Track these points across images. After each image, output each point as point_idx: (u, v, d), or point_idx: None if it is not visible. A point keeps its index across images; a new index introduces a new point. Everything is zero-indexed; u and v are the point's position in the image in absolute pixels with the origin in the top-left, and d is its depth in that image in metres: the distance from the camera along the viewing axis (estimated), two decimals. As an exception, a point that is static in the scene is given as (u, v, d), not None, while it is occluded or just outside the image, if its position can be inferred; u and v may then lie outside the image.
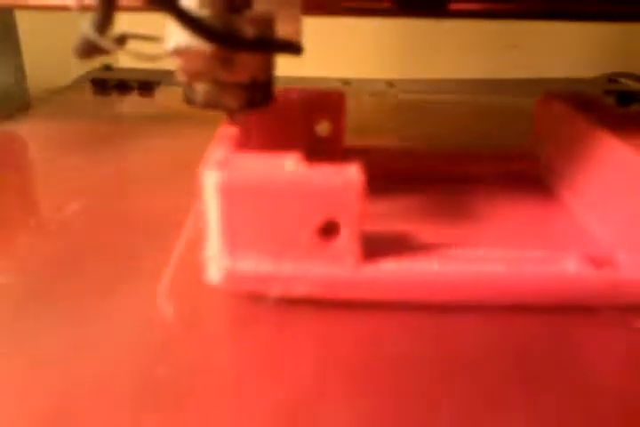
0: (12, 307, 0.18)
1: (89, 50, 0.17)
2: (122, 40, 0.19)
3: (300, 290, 0.18)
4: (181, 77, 0.20)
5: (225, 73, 0.19)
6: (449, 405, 0.15)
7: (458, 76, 0.54)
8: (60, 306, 0.18)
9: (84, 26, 0.17)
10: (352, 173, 0.17)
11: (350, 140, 0.27)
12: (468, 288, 0.19)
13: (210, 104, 0.20)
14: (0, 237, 0.23)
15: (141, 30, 0.19)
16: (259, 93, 0.20)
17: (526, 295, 0.19)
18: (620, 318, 0.18)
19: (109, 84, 0.46)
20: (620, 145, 0.20)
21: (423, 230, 0.21)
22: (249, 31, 0.18)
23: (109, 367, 0.16)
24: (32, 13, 0.43)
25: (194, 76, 0.19)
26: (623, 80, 0.53)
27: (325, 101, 0.26)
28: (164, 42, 0.19)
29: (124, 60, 0.55)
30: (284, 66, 0.22)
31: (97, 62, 0.55)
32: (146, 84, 0.45)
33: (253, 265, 0.18)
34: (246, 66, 0.19)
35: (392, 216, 0.22)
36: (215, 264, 0.18)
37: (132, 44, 0.19)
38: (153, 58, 0.19)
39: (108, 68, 0.54)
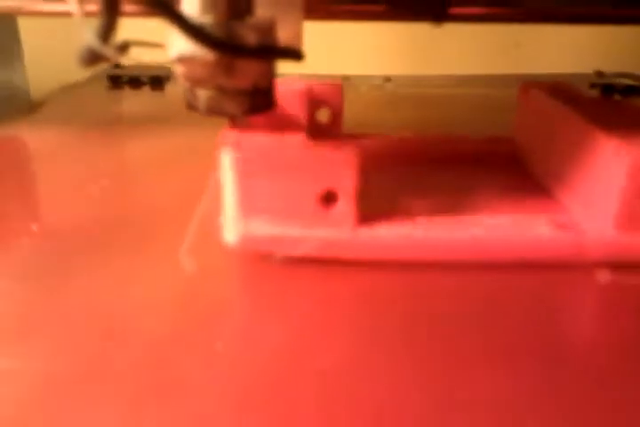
0: (58, 262, 0.21)
1: (92, 58, 0.18)
2: (124, 47, 0.19)
3: (303, 250, 0.21)
4: (183, 84, 0.20)
5: (227, 79, 0.19)
6: (428, 349, 0.18)
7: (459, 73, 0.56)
8: (97, 263, 0.21)
9: (88, 34, 0.17)
10: (349, 149, 0.20)
11: (348, 128, 0.30)
12: (451, 250, 0.21)
13: (212, 110, 0.20)
14: (42, 210, 0.26)
15: (138, 35, 0.19)
16: (261, 99, 0.20)
17: (503, 256, 0.21)
18: (583, 274, 0.21)
19: (122, 80, 0.48)
20: (585, 125, 0.22)
21: (413, 201, 0.23)
22: (251, 38, 0.18)
23: (143, 308, 0.19)
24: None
25: (196, 82, 0.19)
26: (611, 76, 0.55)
27: (325, 91, 0.29)
28: (165, 48, 0.19)
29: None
30: (285, 64, 0.24)
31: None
32: (157, 79, 0.48)
33: (264, 229, 0.21)
34: (248, 72, 0.19)
35: (385, 189, 0.25)
36: (231, 228, 0.21)
37: (134, 50, 0.19)
38: (155, 64, 0.20)
39: (117, 66, 0.57)
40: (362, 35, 0.61)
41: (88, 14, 0.17)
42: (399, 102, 0.47)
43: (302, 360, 0.17)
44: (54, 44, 0.49)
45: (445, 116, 0.42)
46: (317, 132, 0.29)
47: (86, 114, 0.42)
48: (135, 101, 0.46)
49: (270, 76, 0.20)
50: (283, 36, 0.20)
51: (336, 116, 0.29)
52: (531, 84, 0.29)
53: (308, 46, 0.22)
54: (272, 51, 0.20)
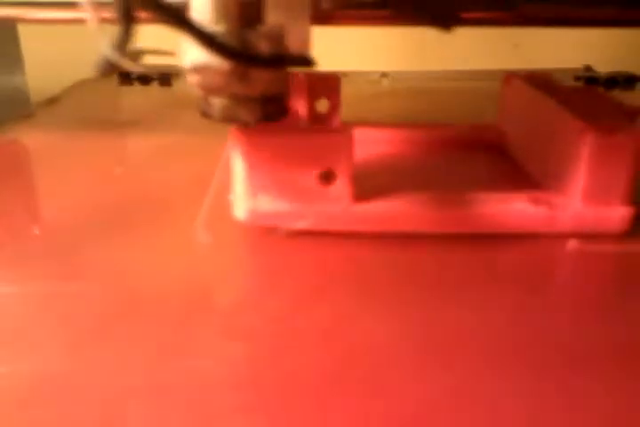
0: (88, 234, 0.24)
1: (109, 67, 0.18)
2: (138, 56, 0.19)
3: (305, 224, 0.23)
4: (197, 92, 0.20)
5: (241, 88, 0.19)
6: (415, 304, 0.20)
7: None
8: (117, 237, 0.24)
9: (104, 44, 0.18)
10: (345, 132, 0.23)
11: (345, 118, 0.33)
12: (437, 223, 0.24)
13: (227, 118, 0.20)
14: (63, 194, 0.28)
15: (146, 40, 0.19)
16: (274, 106, 0.21)
17: (483, 228, 0.24)
18: (554, 243, 0.24)
19: (132, 76, 0.51)
20: (557, 110, 0.25)
21: (403, 181, 0.26)
22: (263, 46, 0.19)
23: (161, 271, 0.21)
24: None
25: (210, 91, 0.20)
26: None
27: (324, 82, 0.31)
28: (176, 55, 0.20)
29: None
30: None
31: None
32: (165, 76, 0.50)
33: (269, 205, 0.23)
34: (261, 80, 0.19)
35: (379, 170, 0.27)
36: (240, 205, 0.24)
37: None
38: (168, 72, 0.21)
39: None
40: (360, 35, 0.63)
41: (102, 21, 0.18)
42: (394, 95, 0.49)
43: (303, 315, 0.19)
44: (54, 48, 0.52)
45: (437, 107, 0.45)
46: (317, 121, 0.32)
47: (99, 108, 0.45)
48: (145, 97, 0.49)
49: (282, 83, 0.21)
50: (291, 42, 0.20)
51: (334, 106, 0.32)
52: (513, 75, 0.31)
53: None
54: (286, 59, 0.20)
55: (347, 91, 0.32)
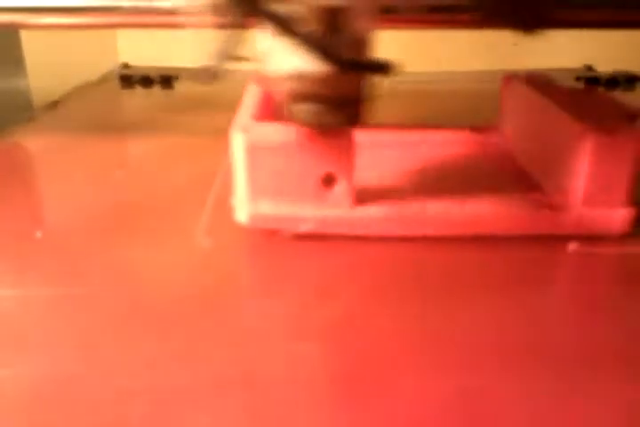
0: (90, 238, 0.24)
1: (211, 74, 0.19)
2: (236, 60, 0.19)
3: (306, 227, 0.23)
4: (287, 99, 0.20)
5: (330, 92, 0.20)
6: (419, 304, 0.20)
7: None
8: (121, 241, 0.24)
9: (211, 53, 0.18)
10: (347, 136, 0.23)
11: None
12: (438, 226, 0.24)
13: (317, 123, 0.21)
14: (65, 198, 0.29)
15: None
16: (360, 109, 0.21)
17: (485, 231, 0.24)
18: (556, 244, 0.24)
19: (133, 79, 0.51)
20: (557, 112, 0.25)
21: (404, 183, 0.26)
22: (352, 52, 0.19)
23: (164, 276, 0.21)
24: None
25: (302, 97, 0.20)
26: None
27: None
28: (264, 62, 0.20)
29: (140, 59, 0.60)
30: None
31: (116, 61, 0.61)
32: (166, 79, 0.51)
33: (271, 208, 0.23)
34: (351, 85, 0.20)
35: (380, 173, 0.27)
36: (242, 208, 0.24)
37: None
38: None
39: (126, 65, 0.60)
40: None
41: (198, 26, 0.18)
42: (394, 96, 0.49)
43: (307, 318, 0.19)
44: (57, 52, 0.52)
45: (437, 109, 0.45)
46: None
47: (101, 111, 0.45)
48: (146, 100, 0.49)
49: (365, 88, 0.21)
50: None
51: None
52: (512, 76, 0.31)
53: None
54: (384, 65, 0.20)
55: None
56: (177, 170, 0.32)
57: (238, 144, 0.23)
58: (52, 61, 0.51)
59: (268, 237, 0.24)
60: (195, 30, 0.18)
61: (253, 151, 0.23)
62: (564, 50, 0.63)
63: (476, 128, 0.32)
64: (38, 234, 0.24)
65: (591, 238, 0.24)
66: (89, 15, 0.34)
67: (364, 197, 0.24)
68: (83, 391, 0.16)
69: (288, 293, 0.21)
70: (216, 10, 0.18)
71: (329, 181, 0.23)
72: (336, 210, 0.24)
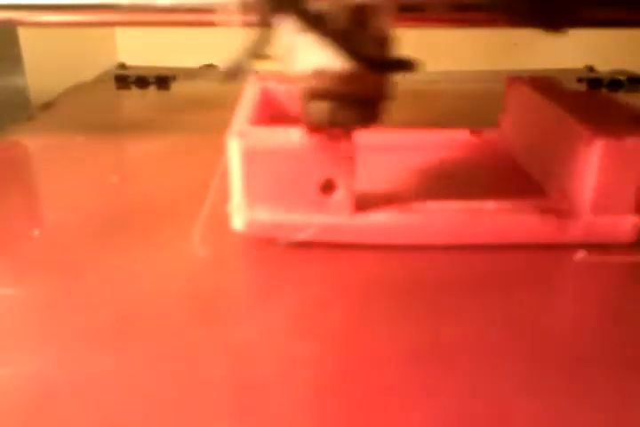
0: (85, 244, 0.23)
1: (235, 73, 0.18)
2: (260, 59, 0.19)
3: (305, 235, 0.23)
4: (305, 97, 0.20)
5: (353, 91, 0.19)
6: (422, 313, 0.20)
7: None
8: (115, 248, 0.23)
9: (237, 52, 0.17)
10: (346, 141, 0.22)
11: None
12: (440, 234, 0.23)
13: (335, 122, 0.20)
14: (58, 204, 0.28)
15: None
16: (378, 108, 0.21)
17: (488, 238, 0.23)
18: (562, 253, 0.23)
19: (129, 80, 0.50)
20: (562, 116, 0.24)
21: (405, 189, 0.25)
22: (372, 50, 0.19)
23: (159, 286, 0.21)
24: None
25: (323, 95, 0.20)
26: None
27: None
28: (284, 61, 0.20)
29: (138, 59, 0.59)
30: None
31: (114, 61, 0.60)
32: (162, 79, 0.50)
33: (269, 215, 0.23)
34: (376, 84, 0.20)
35: (379, 177, 0.27)
36: (238, 215, 0.23)
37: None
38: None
39: (122, 65, 0.59)
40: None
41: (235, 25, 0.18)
42: (395, 97, 0.49)
43: (306, 327, 0.19)
44: (55, 50, 0.51)
45: (438, 110, 0.44)
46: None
47: (95, 113, 0.44)
48: (142, 101, 0.48)
49: (387, 86, 0.21)
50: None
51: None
52: (515, 78, 0.30)
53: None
54: (408, 63, 0.19)
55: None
56: (174, 171, 0.31)
57: (234, 149, 0.22)
58: (50, 60, 0.50)
59: (265, 245, 0.23)
60: (225, 28, 0.18)
61: (250, 157, 0.22)
62: (565, 50, 0.62)
63: (476, 130, 0.31)
64: (35, 232, 0.24)
65: (599, 246, 0.23)
66: (87, 13, 0.33)
67: (364, 203, 0.23)
68: (82, 391, 0.16)
69: (285, 302, 0.20)
70: (247, 7, 0.18)
71: (328, 187, 0.22)
72: (335, 217, 0.23)
